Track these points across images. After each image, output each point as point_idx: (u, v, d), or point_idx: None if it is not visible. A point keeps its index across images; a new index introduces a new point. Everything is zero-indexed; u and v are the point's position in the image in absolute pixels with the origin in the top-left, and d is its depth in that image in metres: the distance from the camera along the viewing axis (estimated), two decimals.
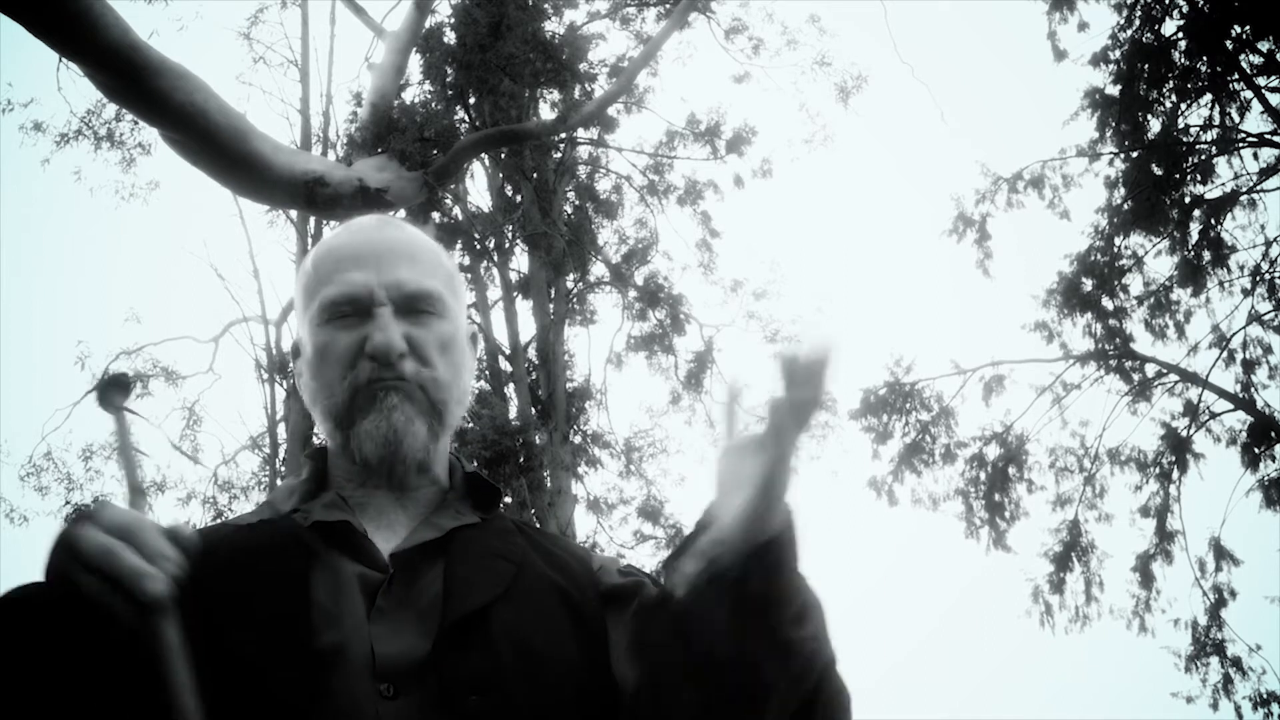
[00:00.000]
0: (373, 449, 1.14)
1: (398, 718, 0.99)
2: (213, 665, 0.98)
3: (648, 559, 11.73)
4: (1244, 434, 10.67)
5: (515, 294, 11.70)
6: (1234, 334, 10.86)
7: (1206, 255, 10.73)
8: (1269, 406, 10.70)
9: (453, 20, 9.58)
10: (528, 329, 11.61)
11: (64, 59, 6.76)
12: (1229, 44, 10.19)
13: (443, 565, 1.10)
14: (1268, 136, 10.37)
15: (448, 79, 9.53)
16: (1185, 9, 10.22)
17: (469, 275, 11.78)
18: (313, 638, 1.01)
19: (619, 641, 1.13)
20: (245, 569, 1.07)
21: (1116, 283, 11.06)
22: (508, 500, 8.91)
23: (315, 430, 10.95)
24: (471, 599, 1.07)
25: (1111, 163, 11.04)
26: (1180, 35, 10.31)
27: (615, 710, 1.08)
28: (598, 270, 12.33)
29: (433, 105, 9.47)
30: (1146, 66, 10.37)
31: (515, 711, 1.02)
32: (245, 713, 0.96)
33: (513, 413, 10.62)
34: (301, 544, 1.09)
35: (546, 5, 10.61)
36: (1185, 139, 10.70)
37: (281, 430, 11.77)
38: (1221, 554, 10.72)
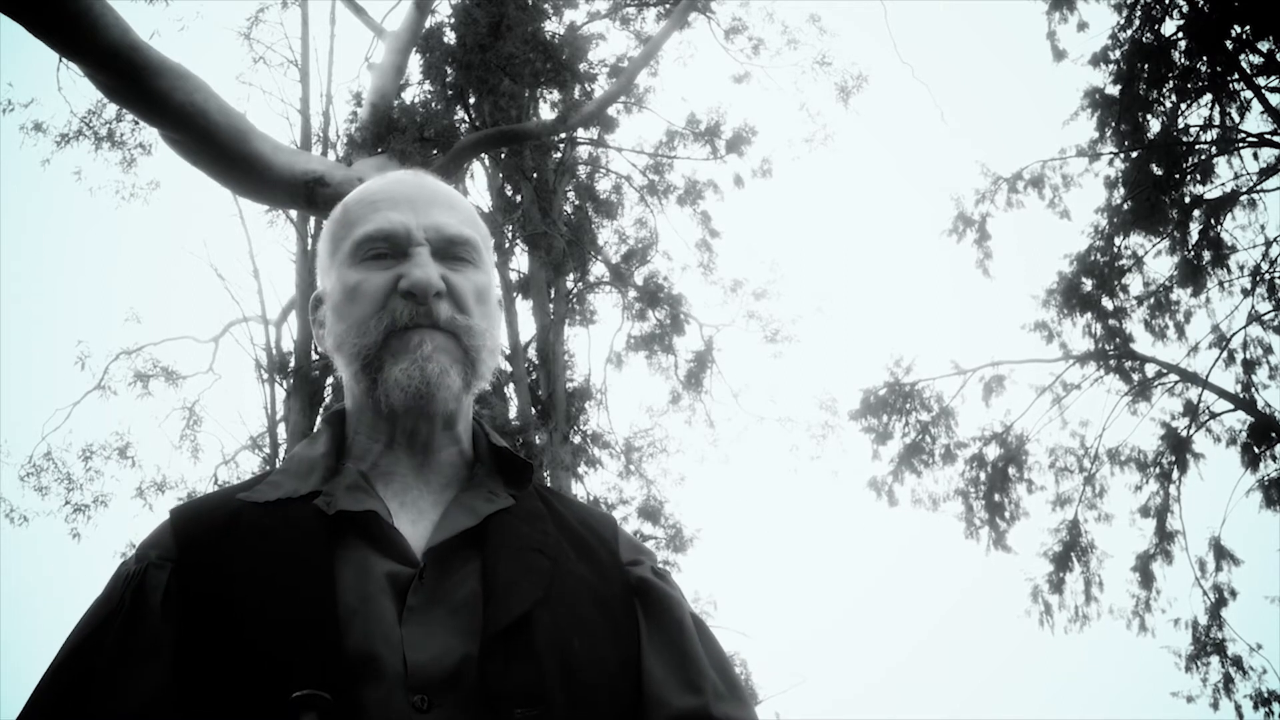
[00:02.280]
0: (402, 398, 1.07)
1: None
2: (228, 661, 0.93)
3: None
4: (1244, 434, 10.67)
5: (515, 294, 11.69)
6: (1234, 334, 10.87)
7: (1206, 255, 10.73)
8: (1269, 406, 10.70)
9: (453, 20, 9.56)
10: (528, 329, 11.62)
11: (64, 59, 6.75)
12: (1229, 44, 10.18)
13: (479, 561, 1.04)
14: (1268, 136, 10.36)
15: (448, 79, 9.51)
16: (1185, 9, 10.21)
17: None
18: (341, 641, 0.94)
19: (649, 638, 1.09)
20: (264, 558, 1.00)
21: (1116, 283, 11.06)
22: None
23: (315, 429, 10.92)
24: (514, 604, 1.00)
25: (1111, 163, 11.05)
26: (1180, 35, 10.31)
27: (642, 711, 1.05)
28: (598, 270, 12.34)
29: (433, 105, 9.46)
30: (1146, 66, 10.37)
31: None
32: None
33: (513, 413, 10.61)
34: (326, 536, 1.02)
35: (546, 5, 10.61)
36: (1185, 139, 10.70)
37: (281, 430, 11.74)
38: (1221, 554, 10.73)
